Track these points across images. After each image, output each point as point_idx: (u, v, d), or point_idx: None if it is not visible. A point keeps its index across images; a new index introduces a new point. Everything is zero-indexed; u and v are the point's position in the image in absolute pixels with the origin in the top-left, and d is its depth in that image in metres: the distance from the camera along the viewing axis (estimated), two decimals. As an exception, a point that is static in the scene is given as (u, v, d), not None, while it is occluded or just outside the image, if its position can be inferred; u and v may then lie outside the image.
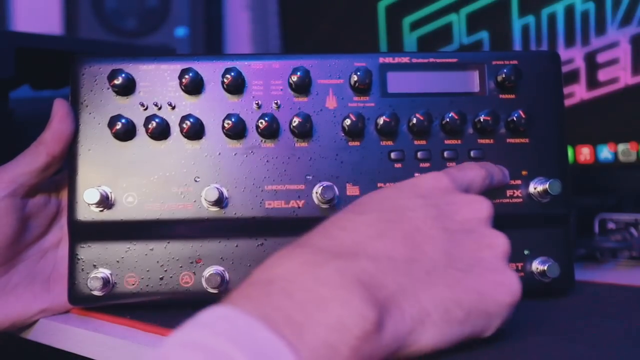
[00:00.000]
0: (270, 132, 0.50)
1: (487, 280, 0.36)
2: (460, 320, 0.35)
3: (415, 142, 0.51)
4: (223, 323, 0.29)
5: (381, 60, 0.52)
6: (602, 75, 0.73)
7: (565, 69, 0.75)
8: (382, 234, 0.36)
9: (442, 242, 0.37)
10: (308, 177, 0.50)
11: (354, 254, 0.34)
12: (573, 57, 0.75)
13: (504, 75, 0.51)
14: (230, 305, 0.30)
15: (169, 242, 0.50)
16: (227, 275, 0.49)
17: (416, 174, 0.49)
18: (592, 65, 0.73)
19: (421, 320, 0.33)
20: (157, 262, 0.50)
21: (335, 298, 0.31)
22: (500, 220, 0.50)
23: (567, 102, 0.75)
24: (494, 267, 0.37)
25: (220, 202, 0.48)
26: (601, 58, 0.73)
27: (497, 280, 0.36)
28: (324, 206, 0.49)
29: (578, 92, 0.74)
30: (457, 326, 0.35)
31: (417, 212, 0.37)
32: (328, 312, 0.30)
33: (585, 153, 0.74)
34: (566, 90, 0.74)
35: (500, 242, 0.38)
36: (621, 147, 0.71)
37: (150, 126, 0.49)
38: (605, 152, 0.72)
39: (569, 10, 0.75)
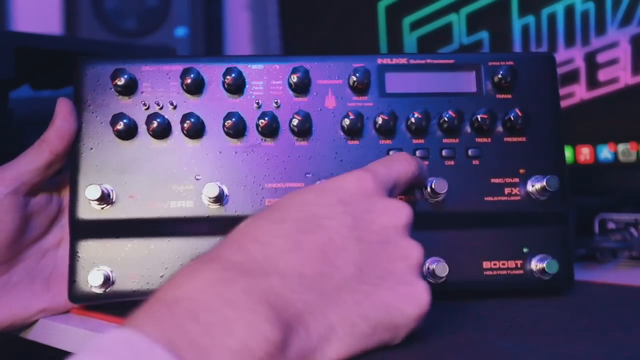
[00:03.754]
0: (270, 130, 0.50)
1: (396, 293, 0.36)
2: (366, 334, 0.35)
3: (414, 141, 0.51)
4: (123, 349, 0.28)
5: (379, 61, 0.52)
6: (602, 75, 0.73)
7: (565, 69, 0.75)
8: (295, 247, 0.35)
9: (354, 254, 0.36)
10: (308, 175, 0.50)
11: (264, 270, 0.34)
12: (573, 57, 0.75)
13: (500, 76, 0.51)
14: (132, 329, 0.29)
15: (169, 240, 0.50)
16: (227, 274, 0.49)
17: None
18: (592, 65, 0.73)
19: (327, 337, 0.34)
20: (158, 259, 0.50)
21: (239, 319, 0.31)
22: (499, 218, 0.51)
23: (567, 102, 0.75)
24: (405, 279, 0.37)
25: (220, 199, 0.49)
26: (601, 58, 0.73)
27: (407, 293, 0.36)
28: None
29: (578, 92, 0.75)
30: (364, 340, 0.35)
31: (334, 221, 0.37)
32: (233, 335, 0.30)
33: (585, 153, 0.74)
34: (566, 90, 0.75)
35: (414, 253, 0.38)
36: (621, 147, 0.71)
37: (151, 125, 0.49)
38: (605, 152, 0.72)
39: (569, 10, 0.75)
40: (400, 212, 0.39)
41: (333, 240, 0.36)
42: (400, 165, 0.44)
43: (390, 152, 0.51)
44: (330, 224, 0.37)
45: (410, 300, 0.36)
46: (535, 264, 0.50)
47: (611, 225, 0.71)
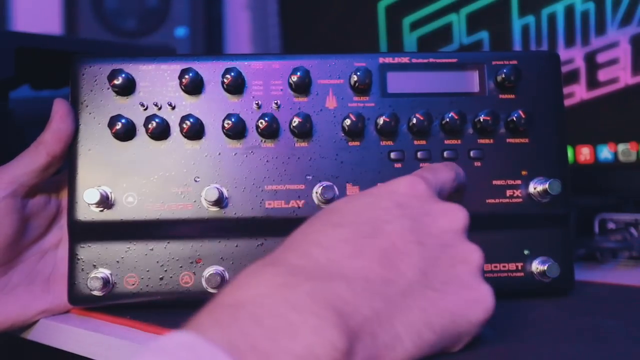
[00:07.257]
0: (270, 132, 0.50)
1: (460, 299, 0.36)
2: (431, 343, 0.34)
3: (415, 142, 0.51)
4: (184, 352, 0.27)
5: (381, 60, 0.52)
6: (602, 75, 0.73)
7: (565, 69, 0.75)
8: (358, 252, 0.35)
9: (417, 259, 0.36)
10: (308, 177, 0.50)
11: (328, 274, 0.33)
12: (573, 57, 0.75)
13: (503, 76, 0.51)
14: (194, 332, 0.29)
15: (169, 242, 0.50)
16: (227, 275, 0.49)
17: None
18: (592, 65, 0.73)
19: (393, 346, 0.33)
20: (157, 262, 0.50)
21: (305, 324, 0.30)
22: (500, 220, 0.51)
23: (567, 102, 0.75)
24: (468, 283, 0.36)
25: (220, 202, 0.48)
26: (601, 58, 0.73)
27: (471, 298, 0.36)
28: (324, 206, 0.49)
29: (578, 92, 0.75)
30: (428, 349, 0.34)
31: (394, 225, 0.36)
32: (298, 340, 0.29)
33: (585, 153, 0.74)
34: (566, 90, 0.75)
35: (474, 256, 0.37)
36: (621, 147, 0.71)
37: (150, 126, 0.49)
38: (605, 152, 0.72)
39: (569, 10, 0.75)
40: (457, 215, 0.38)
41: (395, 245, 0.35)
42: (444, 172, 0.44)
43: (392, 154, 0.50)
44: (390, 228, 0.36)
45: (475, 305, 0.36)
46: (536, 266, 0.50)
47: (611, 225, 0.71)
